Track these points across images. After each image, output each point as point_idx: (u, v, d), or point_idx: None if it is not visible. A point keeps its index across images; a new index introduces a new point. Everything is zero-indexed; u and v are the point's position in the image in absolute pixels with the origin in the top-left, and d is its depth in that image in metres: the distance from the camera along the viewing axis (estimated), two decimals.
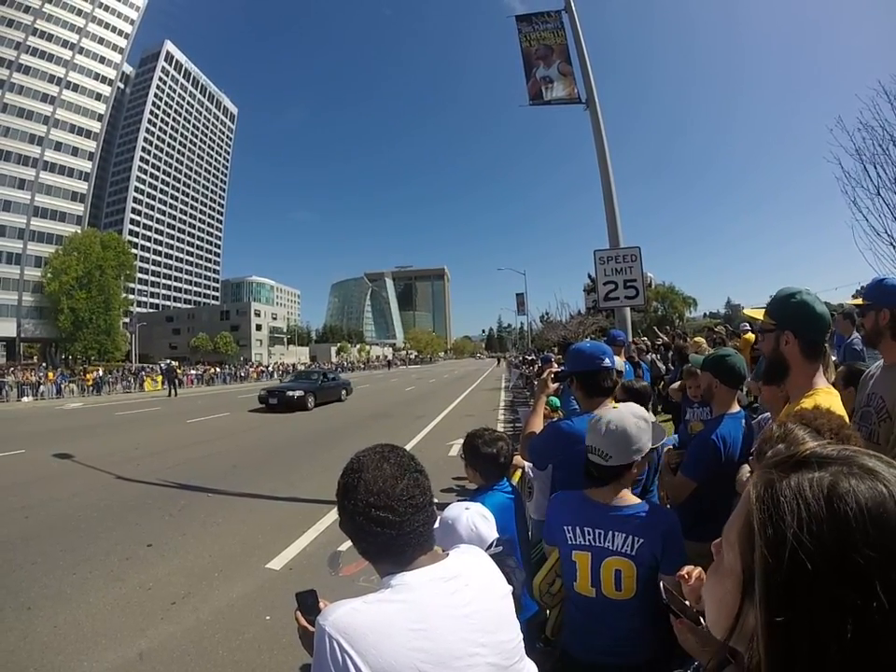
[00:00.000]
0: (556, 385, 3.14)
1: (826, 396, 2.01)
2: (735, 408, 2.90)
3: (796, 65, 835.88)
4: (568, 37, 9.05)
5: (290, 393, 21.24)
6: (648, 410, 4.07)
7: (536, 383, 3.26)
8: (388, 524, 1.20)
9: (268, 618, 4.43)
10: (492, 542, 2.11)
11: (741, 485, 2.42)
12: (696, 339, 8.40)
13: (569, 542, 2.03)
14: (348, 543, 4.73)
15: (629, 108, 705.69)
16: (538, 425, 3.01)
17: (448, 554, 1.33)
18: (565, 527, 2.04)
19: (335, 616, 1.11)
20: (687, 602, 1.52)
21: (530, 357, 27.36)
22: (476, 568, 1.34)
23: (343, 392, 25.61)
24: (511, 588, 1.40)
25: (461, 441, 10.78)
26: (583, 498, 2.08)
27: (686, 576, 1.61)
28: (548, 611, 2.39)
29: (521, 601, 1.96)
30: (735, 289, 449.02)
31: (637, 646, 2.08)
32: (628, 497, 2.08)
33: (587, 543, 2.03)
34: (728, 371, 2.87)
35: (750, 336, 10.77)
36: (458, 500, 2.37)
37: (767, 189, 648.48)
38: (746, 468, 2.51)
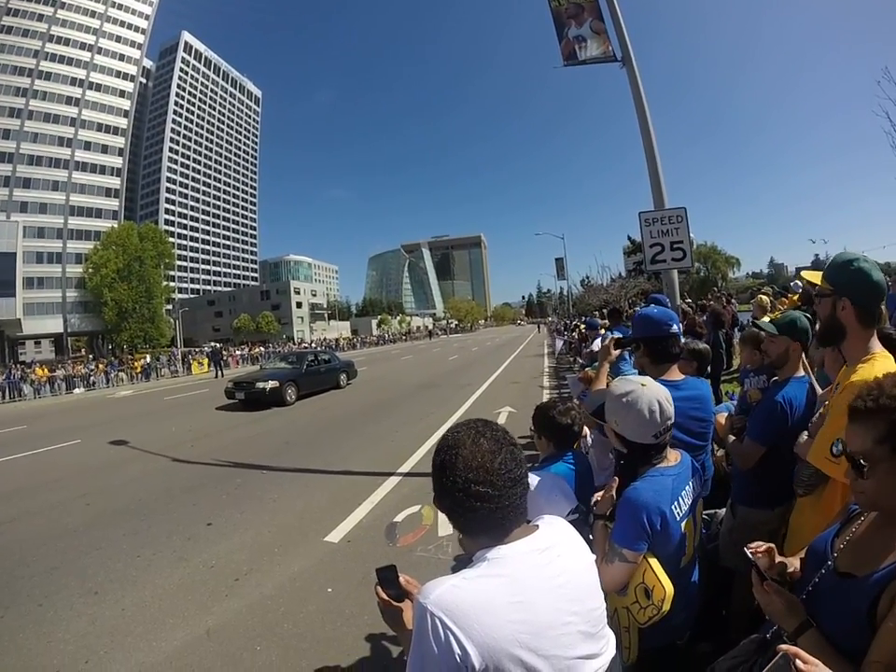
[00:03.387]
0: (618, 351, 3.09)
1: (883, 360, 2.05)
2: (801, 372, 2.87)
3: (845, 14, 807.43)
4: None
5: (260, 385, 16.22)
6: (706, 371, 4.05)
7: (583, 349, 3.13)
8: (488, 498, 1.20)
9: (330, 590, 4.43)
10: (569, 510, 2.12)
11: (800, 448, 2.44)
12: (761, 296, 8.18)
13: (678, 519, 1.92)
14: (403, 514, 4.66)
15: (677, 69, 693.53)
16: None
17: (538, 526, 1.33)
18: (672, 507, 1.90)
19: (437, 594, 1.10)
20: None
21: (574, 323, 26.96)
22: (565, 538, 1.35)
23: (343, 377, 20.57)
24: (594, 557, 1.40)
25: (509, 408, 10.75)
26: (661, 472, 1.95)
27: (755, 551, 1.60)
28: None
29: None
30: (778, 248, 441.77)
31: (695, 602, 2.13)
32: (673, 452, 2.08)
33: (687, 507, 1.97)
34: (804, 333, 2.85)
35: (795, 297, 10.53)
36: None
37: (818, 150, 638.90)
38: (804, 434, 2.51)
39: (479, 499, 1.19)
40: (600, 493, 2.12)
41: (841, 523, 1.52)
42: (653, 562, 1.85)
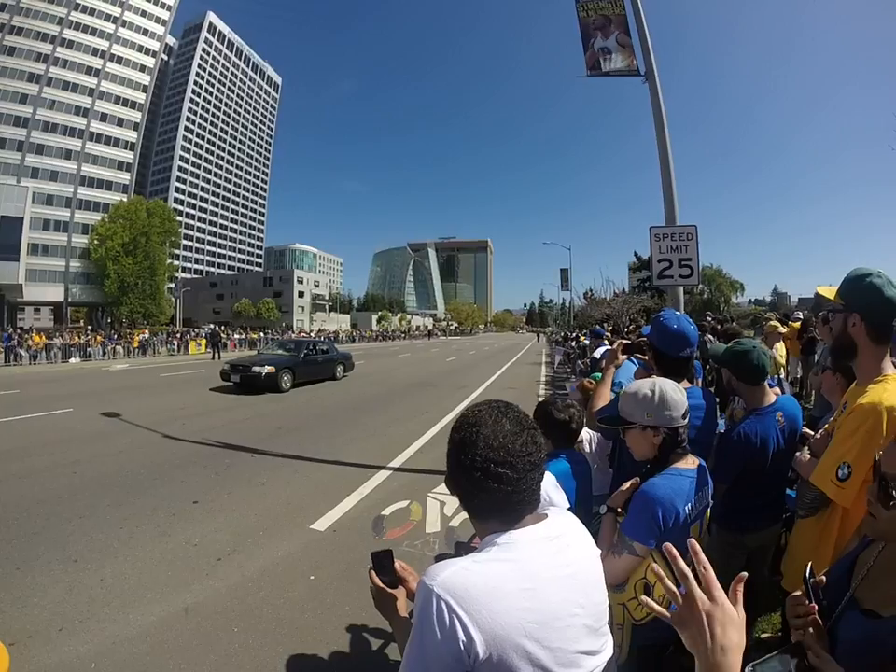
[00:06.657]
0: (625, 357, 3.10)
1: (895, 383, 2.00)
2: (767, 401, 2.73)
3: (867, 54, 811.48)
4: (627, 8, 8.67)
5: (257, 369, 16.10)
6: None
7: (577, 359, 3.13)
8: (506, 480, 1.15)
9: (312, 578, 4.39)
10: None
11: (801, 467, 2.42)
12: (772, 323, 8.15)
13: (689, 522, 1.91)
14: (392, 508, 4.59)
15: (698, 92, 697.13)
16: (605, 395, 2.91)
17: (547, 514, 1.28)
18: (685, 507, 1.88)
19: (444, 576, 1.05)
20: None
21: (574, 334, 26.91)
22: (573, 529, 1.31)
23: (340, 368, 20.48)
24: (599, 551, 1.35)
25: None
26: (680, 472, 1.95)
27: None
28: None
29: None
30: (782, 278, 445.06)
31: None
32: (691, 457, 2.04)
33: (697, 512, 1.95)
34: (744, 369, 2.74)
35: (797, 325, 10.56)
36: None
37: (829, 186, 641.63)
38: (806, 452, 2.49)
39: (497, 481, 1.14)
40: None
41: (857, 550, 1.41)
42: (658, 558, 1.83)
